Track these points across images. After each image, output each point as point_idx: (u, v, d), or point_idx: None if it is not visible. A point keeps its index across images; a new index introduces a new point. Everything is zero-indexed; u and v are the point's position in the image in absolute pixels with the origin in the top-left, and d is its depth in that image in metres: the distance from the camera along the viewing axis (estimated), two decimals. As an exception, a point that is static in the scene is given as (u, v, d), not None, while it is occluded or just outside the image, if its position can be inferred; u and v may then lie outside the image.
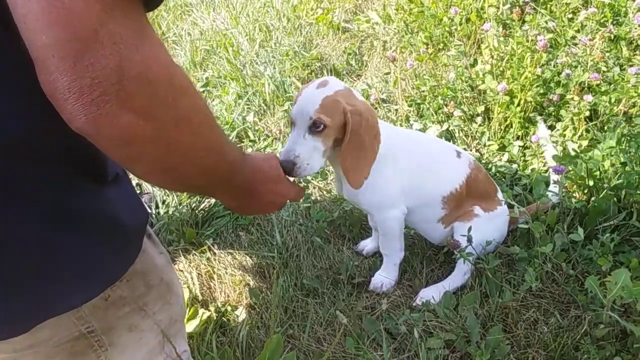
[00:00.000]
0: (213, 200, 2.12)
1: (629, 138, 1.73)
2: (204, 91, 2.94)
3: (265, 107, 2.67)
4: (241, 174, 0.88)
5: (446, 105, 2.31)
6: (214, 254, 1.88)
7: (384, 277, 1.67)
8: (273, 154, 1.07)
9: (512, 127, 2.13)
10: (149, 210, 2.11)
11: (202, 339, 1.56)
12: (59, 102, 0.54)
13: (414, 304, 1.59)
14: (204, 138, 0.69)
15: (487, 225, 1.58)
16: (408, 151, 1.52)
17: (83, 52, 0.51)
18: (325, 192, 2.11)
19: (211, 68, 3.15)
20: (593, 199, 1.68)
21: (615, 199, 1.67)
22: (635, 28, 2.34)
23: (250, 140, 2.44)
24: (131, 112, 0.56)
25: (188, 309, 1.65)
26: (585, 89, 2.00)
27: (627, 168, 1.62)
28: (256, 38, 3.30)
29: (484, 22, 2.75)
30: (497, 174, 1.99)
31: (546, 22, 2.61)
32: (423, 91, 2.45)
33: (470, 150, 2.14)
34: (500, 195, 1.66)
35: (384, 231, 1.60)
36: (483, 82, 2.26)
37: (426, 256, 1.75)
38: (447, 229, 1.62)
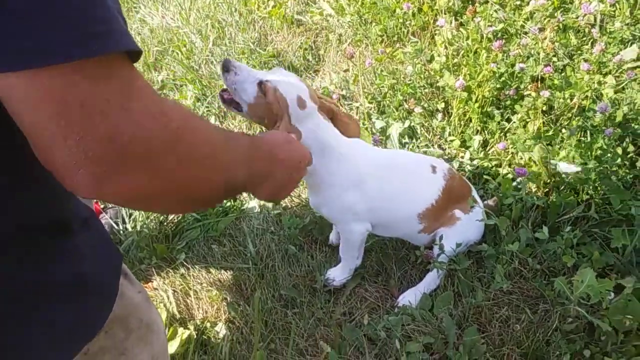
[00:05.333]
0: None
1: (584, 132, 1.81)
2: (160, 94, 2.87)
3: (225, 110, 2.64)
4: (259, 159, 0.83)
5: (406, 102, 2.35)
6: (188, 269, 1.87)
7: (337, 276, 1.73)
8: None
9: (471, 122, 2.19)
10: (116, 227, 2.07)
11: (184, 360, 1.57)
12: (58, 176, 0.54)
13: (395, 310, 1.63)
14: (211, 162, 0.67)
15: (469, 227, 1.64)
16: (378, 177, 1.53)
17: (70, 126, 0.50)
18: (294, 198, 2.12)
19: (165, 69, 3.08)
20: (553, 195, 1.75)
21: (573, 193, 1.75)
22: (582, 17, 2.42)
23: (214, 147, 2.41)
24: (133, 175, 0.55)
25: (167, 329, 1.65)
26: (540, 82, 2.07)
27: (586, 165, 1.69)
28: (209, 35, 3.24)
29: (436, 14, 2.79)
30: (461, 172, 2.05)
31: (496, 11, 2.67)
32: (382, 87, 2.48)
33: (433, 147, 2.19)
34: (474, 193, 1.71)
35: (345, 240, 1.64)
36: (441, 77, 2.30)
37: (399, 257, 1.80)
38: (431, 235, 1.66)
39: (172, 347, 1.59)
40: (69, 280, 0.73)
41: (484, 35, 2.32)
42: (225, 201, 2.13)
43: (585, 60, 2.07)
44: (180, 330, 1.64)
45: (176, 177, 0.61)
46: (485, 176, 1.93)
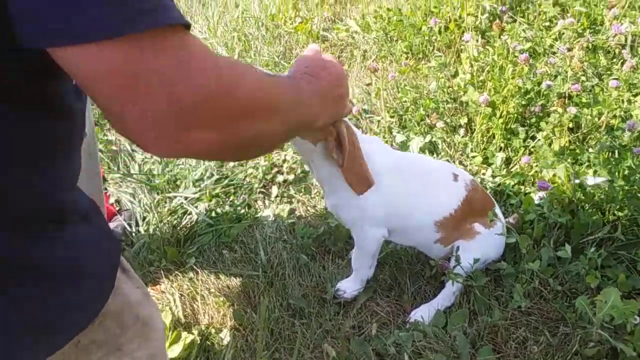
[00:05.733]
0: (195, 217, 2.07)
1: (612, 151, 1.73)
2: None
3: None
4: (297, 115, 0.88)
5: (428, 117, 2.31)
6: (197, 273, 1.83)
7: (349, 287, 1.66)
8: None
9: (494, 138, 2.13)
10: (129, 229, 2.06)
11: (186, 365, 1.52)
12: (132, 141, 0.59)
13: (406, 326, 1.56)
14: (272, 111, 0.72)
15: (489, 242, 1.56)
16: (398, 178, 1.48)
17: (134, 97, 0.54)
18: (309, 208, 2.08)
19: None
20: (578, 214, 1.68)
21: (599, 213, 1.68)
22: (612, 37, 2.37)
23: (232, 154, 2.40)
24: (199, 134, 0.60)
25: (171, 332, 1.61)
26: (567, 99, 2.01)
27: (613, 184, 1.62)
28: (235, 47, 3.26)
29: (463, 32, 2.76)
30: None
31: (524, 30, 2.63)
32: (405, 102, 2.44)
33: (454, 162, 2.13)
34: (498, 210, 1.64)
35: (359, 246, 1.58)
36: (465, 92, 2.26)
37: (414, 272, 1.73)
38: (447, 248, 1.60)
39: (175, 351, 1.55)
40: (60, 271, 0.71)
41: (510, 50, 2.27)
42: (243, 205, 2.11)
43: (615, 78, 2.01)
44: (184, 334, 1.60)
45: (240, 131, 0.66)
46: (507, 192, 1.87)
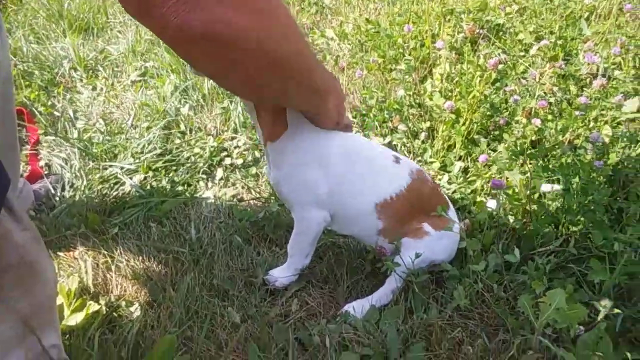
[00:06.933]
0: (127, 189, 1.91)
1: (574, 165, 1.66)
2: (140, 80, 2.74)
3: (203, 102, 2.50)
4: (320, 75, 1.03)
5: (391, 120, 2.22)
6: (117, 243, 1.67)
7: (281, 275, 1.52)
8: None
9: (455, 146, 2.05)
10: (52, 192, 1.88)
11: (84, 335, 1.34)
12: (153, 9, 0.61)
13: (337, 319, 1.42)
14: (289, 22, 0.78)
15: (437, 245, 1.44)
16: (345, 159, 1.38)
17: None
18: (254, 193, 1.94)
19: (153, 59, 2.96)
20: (531, 224, 1.59)
21: (553, 225, 1.59)
22: (585, 66, 2.34)
23: (180, 132, 2.25)
24: (225, 7, 0.63)
25: (75, 299, 1.43)
26: (533, 114, 1.95)
27: (569, 192, 1.53)
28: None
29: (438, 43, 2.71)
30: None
31: (499, 54, 2.60)
32: (370, 105, 2.36)
33: (411, 166, 2.03)
34: (452, 213, 1.52)
35: (298, 229, 1.44)
36: (431, 99, 2.18)
37: (353, 266, 1.60)
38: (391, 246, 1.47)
39: (76, 319, 1.38)
40: None
41: (482, 60, 2.22)
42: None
43: (586, 96, 1.96)
44: (89, 303, 1.43)
45: (262, 23, 0.70)
46: (461, 199, 1.77)
